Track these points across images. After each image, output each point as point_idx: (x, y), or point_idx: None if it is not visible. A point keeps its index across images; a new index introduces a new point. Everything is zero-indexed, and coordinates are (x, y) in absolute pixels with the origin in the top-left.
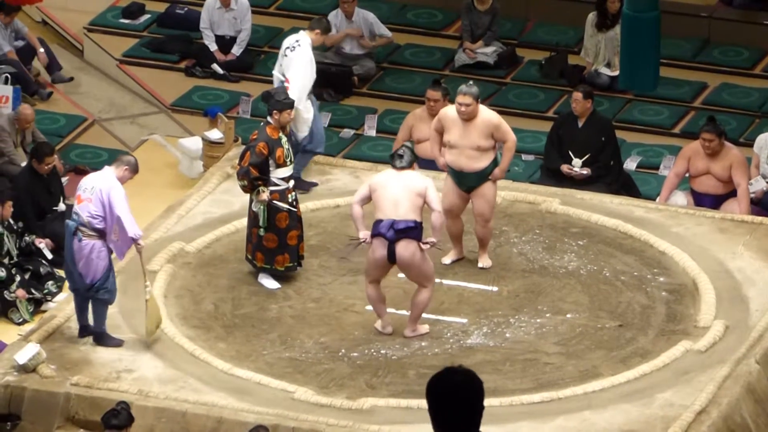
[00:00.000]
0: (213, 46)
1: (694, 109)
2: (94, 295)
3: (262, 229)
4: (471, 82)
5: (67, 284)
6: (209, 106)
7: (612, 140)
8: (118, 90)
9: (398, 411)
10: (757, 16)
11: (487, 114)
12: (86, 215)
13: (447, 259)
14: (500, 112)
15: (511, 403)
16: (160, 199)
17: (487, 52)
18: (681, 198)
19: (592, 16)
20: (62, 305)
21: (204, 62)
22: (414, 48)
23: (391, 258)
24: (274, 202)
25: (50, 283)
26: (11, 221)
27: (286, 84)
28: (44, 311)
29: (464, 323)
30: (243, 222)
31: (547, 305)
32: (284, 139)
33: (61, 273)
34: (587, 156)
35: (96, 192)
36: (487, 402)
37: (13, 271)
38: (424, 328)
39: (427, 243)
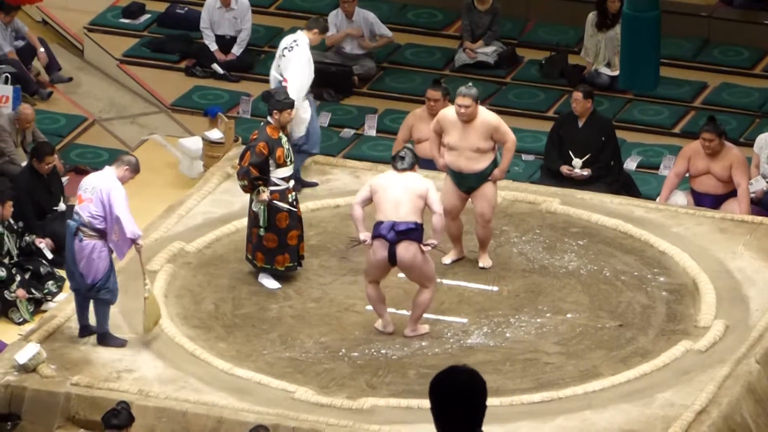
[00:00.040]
0: (213, 46)
1: (694, 109)
2: (95, 295)
3: (262, 229)
4: (470, 84)
5: (67, 284)
6: (209, 105)
7: (612, 140)
8: (118, 90)
9: (398, 411)
10: (757, 16)
11: (486, 115)
12: (87, 215)
13: (447, 259)
14: (500, 112)
15: (511, 402)
16: (160, 199)
17: (488, 52)
18: (681, 198)
19: (592, 16)
20: (62, 305)
21: (204, 62)
22: (414, 48)
23: (392, 259)
24: (275, 202)
25: (50, 282)
26: (11, 221)
27: (284, 84)
28: (44, 311)
29: (464, 323)
30: (243, 222)
31: (547, 305)
32: (284, 139)
33: (61, 273)
34: (587, 156)
35: (96, 192)
36: (488, 402)
37: (14, 270)
38: (425, 328)
39: (427, 245)
